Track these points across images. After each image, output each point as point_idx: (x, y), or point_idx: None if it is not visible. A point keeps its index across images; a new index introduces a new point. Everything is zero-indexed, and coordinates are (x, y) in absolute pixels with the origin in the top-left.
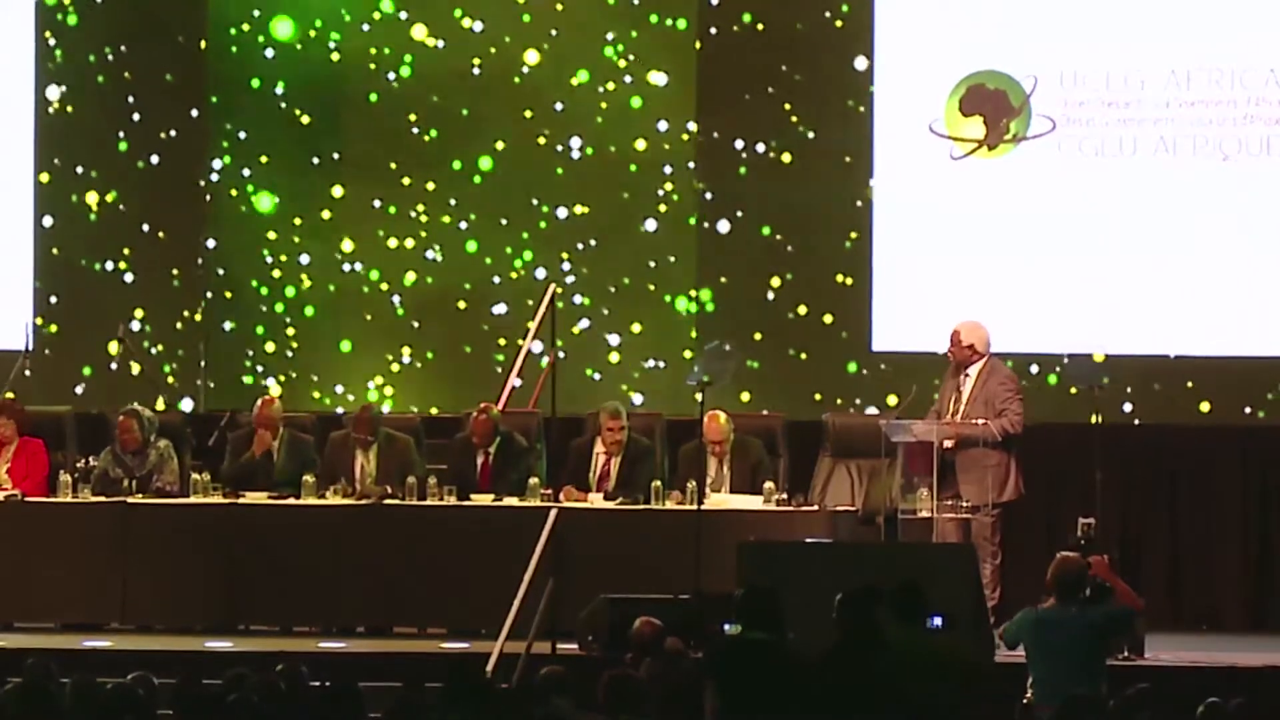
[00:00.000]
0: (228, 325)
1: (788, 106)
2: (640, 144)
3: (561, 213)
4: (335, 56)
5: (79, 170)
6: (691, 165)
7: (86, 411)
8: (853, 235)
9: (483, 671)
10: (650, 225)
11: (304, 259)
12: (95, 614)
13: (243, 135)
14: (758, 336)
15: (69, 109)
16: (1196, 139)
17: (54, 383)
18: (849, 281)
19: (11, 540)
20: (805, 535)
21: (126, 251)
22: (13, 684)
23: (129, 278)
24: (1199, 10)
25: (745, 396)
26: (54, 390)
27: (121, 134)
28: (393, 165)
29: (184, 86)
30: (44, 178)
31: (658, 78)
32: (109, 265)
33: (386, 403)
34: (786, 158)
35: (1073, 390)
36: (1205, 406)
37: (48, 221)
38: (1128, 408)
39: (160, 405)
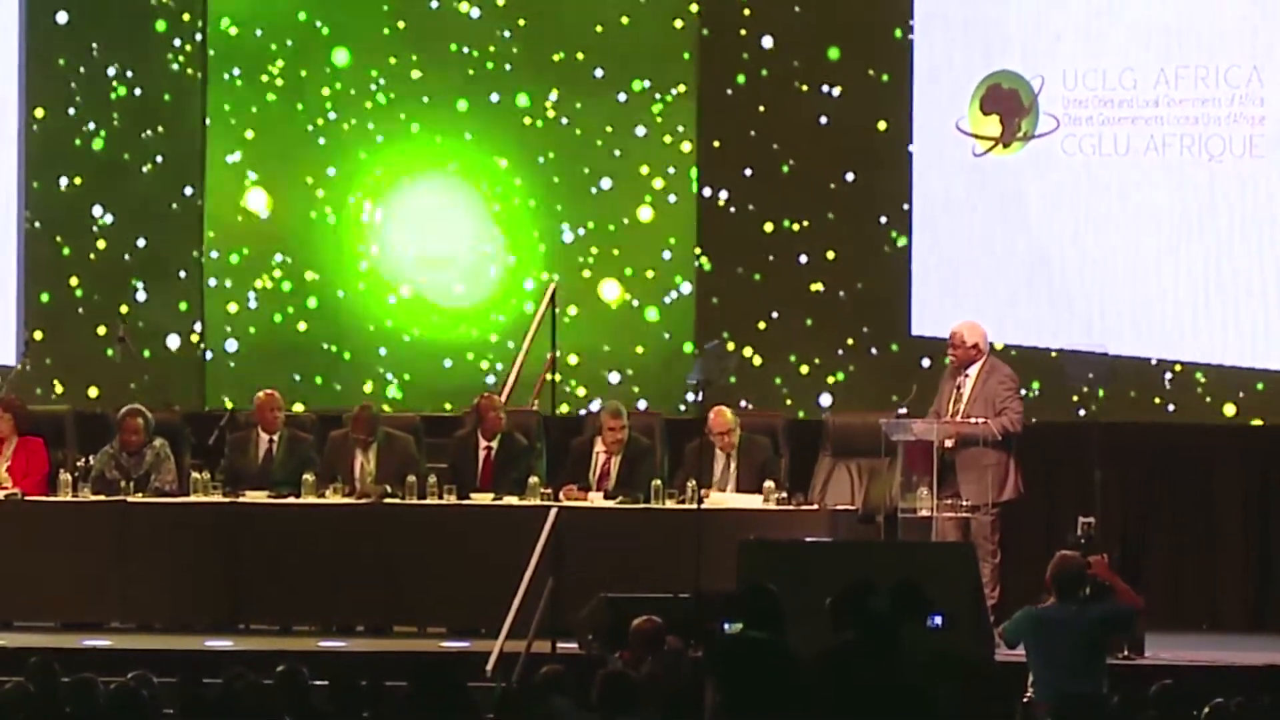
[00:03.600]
0: (226, 326)
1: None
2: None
3: (567, 237)
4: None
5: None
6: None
7: (86, 410)
8: (894, 234)
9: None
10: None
11: (300, 261)
12: (95, 613)
13: (249, 135)
14: (761, 328)
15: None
16: (1184, 138)
17: (52, 383)
18: (889, 275)
19: (11, 539)
20: (805, 534)
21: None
22: (13, 683)
23: (126, 276)
24: (1188, 7)
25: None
26: (52, 391)
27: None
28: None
29: (181, 85)
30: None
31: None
32: (105, 266)
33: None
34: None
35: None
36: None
37: (38, 223)
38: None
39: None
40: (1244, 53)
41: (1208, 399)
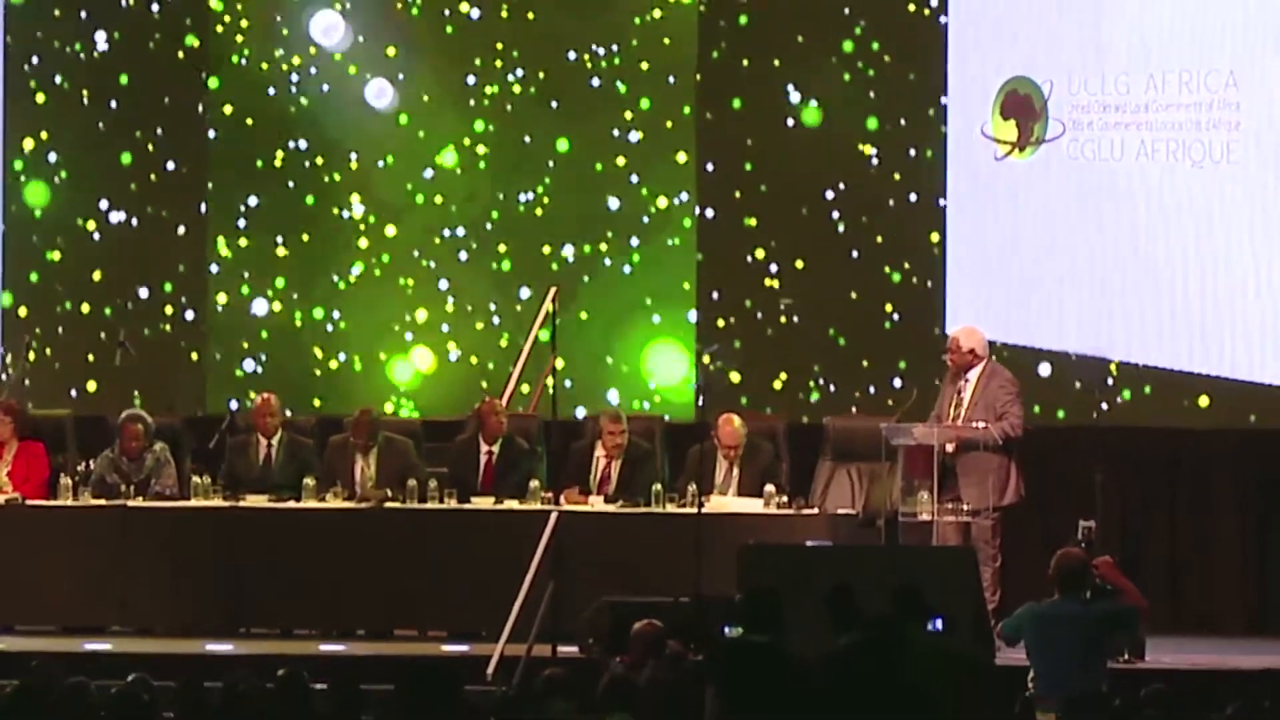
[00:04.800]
0: (226, 327)
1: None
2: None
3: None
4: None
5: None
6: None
7: (87, 415)
8: (932, 237)
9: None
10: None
11: (300, 259)
12: (96, 617)
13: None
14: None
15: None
16: (1170, 143)
17: (51, 386)
18: (920, 280)
19: (12, 543)
20: (806, 538)
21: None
22: (12, 686)
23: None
24: (1177, 11)
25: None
26: (52, 394)
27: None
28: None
29: (177, 92)
30: (18, 165)
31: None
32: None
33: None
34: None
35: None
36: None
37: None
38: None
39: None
40: (1222, 57)
41: (1207, 403)
